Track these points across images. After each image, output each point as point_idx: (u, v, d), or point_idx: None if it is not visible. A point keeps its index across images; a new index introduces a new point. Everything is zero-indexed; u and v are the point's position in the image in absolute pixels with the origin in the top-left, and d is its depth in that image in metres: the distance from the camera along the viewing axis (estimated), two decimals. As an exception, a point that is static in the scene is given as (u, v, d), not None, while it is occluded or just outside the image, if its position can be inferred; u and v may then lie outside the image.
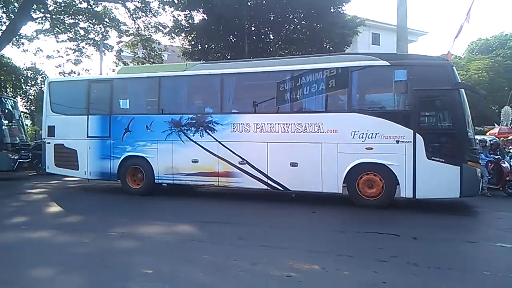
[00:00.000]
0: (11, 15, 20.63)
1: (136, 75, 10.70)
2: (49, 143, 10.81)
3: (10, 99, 15.90)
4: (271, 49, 25.54)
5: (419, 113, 7.92)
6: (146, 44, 22.69)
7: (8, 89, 23.24)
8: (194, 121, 9.44)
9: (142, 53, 23.42)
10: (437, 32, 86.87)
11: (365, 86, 8.86)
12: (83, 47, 22.55)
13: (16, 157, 13.97)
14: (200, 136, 9.35)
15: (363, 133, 8.07)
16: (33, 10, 20.03)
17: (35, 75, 23.86)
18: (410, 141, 7.74)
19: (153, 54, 23.14)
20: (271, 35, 26.16)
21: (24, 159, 14.54)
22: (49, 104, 10.91)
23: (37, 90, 24.01)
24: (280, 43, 25.94)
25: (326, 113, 8.55)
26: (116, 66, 23.66)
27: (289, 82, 8.81)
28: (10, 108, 14.63)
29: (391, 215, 7.77)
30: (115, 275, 4.24)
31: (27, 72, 23.75)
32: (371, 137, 8.02)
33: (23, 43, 22.36)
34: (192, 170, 9.41)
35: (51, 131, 10.78)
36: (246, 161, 8.94)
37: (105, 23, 21.86)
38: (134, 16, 21.92)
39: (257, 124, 8.88)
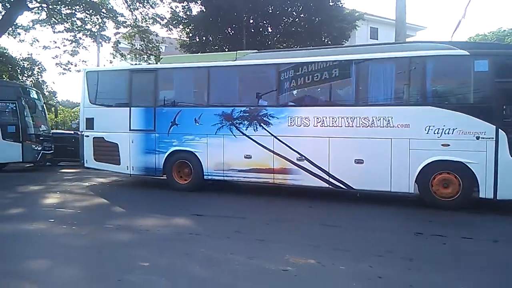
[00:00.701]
0: (6, 4, 20.38)
1: (182, 65, 10.02)
2: (87, 136, 10.31)
3: (34, 90, 15.59)
4: (269, 42, 25.45)
5: (502, 107, 7.19)
6: (143, 35, 22.57)
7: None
8: (247, 114, 8.92)
9: (140, 45, 23.27)
10: (435, 27, 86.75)
11: (441, 77, 8.16)
12: (80, 38, 22.42)
13: (39, 148, 13.96)
14: (254, 130, 8.83)
15: (438, 128, 7.44)
16: (29, 0, 19.83)
17: (32, 66, 23.71)
18: (492, 138, 7.12)
19: (151, 46, 23.02)
20: (269, 28, 26.06)
21: (47, 150, 14.51)
22: (87, 95, 10.40)
23: (33, 81, 23.86)
24: (278, 36, 25.84)
25: (396, 106, 7.92)
26: (114, 57, 23.54)
27: (353, 72, 8.24)
28: (34, 98, 14.51)
29: (387, 210, 7.80)
30: (112, 268, 4.26)
31: (23, 63, 23.59)
32: (448, 133, 7.40)
33: (19, 33, 22.26)
34: (245, 166, 8.91)
35: (90, 123, 10.28)
36: (305, 157, 8.38)
37: (102, 13, 21.70)
38: (131, 7, 21.77)
39: (317, 118, 8.31)
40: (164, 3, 22.81)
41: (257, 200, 8.97)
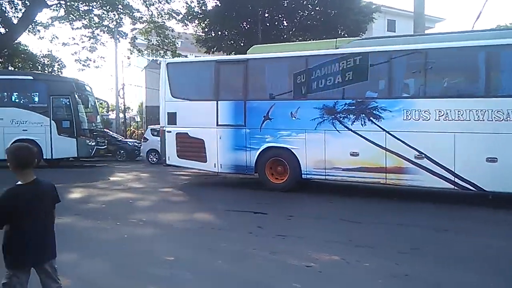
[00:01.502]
0: (26, 2, 20.77)
1: (277, 55, 9.21)
2: (169, 131, 9.67)
3: (87, 85, 15.47)
4: (285, 36, 25.30)
5: None
6: (159, 31, 22.73)
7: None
8: (353, 107, 8.10)
9: (156, 41, 23.45)
10: (454, 19, 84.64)
11: None
12: (97, 34, 22.71)
13: (93, 143, 14.00)
14: (361, 124, 7.99)
15: None
16: (48, -3, 20.14)
17: (52, 62, 24.12)
18: None
19: (167, 41, 23.18)
20: (284, 22, 25.91)
21: (100, 146, 14.57)
22: (168, 89, 9.70)
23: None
24: (294, 29, 25.67)
25: None
26: (131, 53, 23.78)
27: (483, 60, 7.44)
28: (87, 93, 14.50)
29: (410, 206, 7.70)
30: (138, 261, 4.32)
31: (43, 59, 24.01)
32: None
33: (39, 30, 22.64)
34: (351, 165, 8.10)
35: (172, 118, 9.63)
36: (424, 155, 7.50)
37: (119, 10, 21.89)
38: (147, 2, 21.90)
39: (439, 111, 7.38)
40: (179, -2, 22.92)
41: (277, 196, 8.95)
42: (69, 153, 13.54)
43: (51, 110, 13.44)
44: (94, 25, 22.40)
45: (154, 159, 16.03)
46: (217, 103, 9.20)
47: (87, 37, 22.53)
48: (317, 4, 24.37)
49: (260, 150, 8.89)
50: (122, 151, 18.31)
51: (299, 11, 24.83)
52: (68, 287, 3.56)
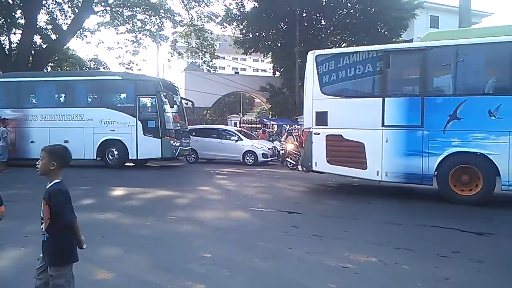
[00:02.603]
0: (75, 9, 21.99)
1: (469, 41, 7.70)
2: (318, 133, 8.53)
3: (173, 84, 15.25)
4: (323, 35, 25.10)
5: None
6: (199, 34, 23.27)
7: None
8: None
9: (196, 43, 24.05)
10: (502, 13, 79.95)
11: None
12: (140, 38, 23.65)
13: (177, 144, 13.52)
14: None
15: None
16: (94, 4, 21.24)
17: (98, 66, 25.38)
18: None
19: (206, 44, 23.68)
20: (322, 21, 25.68)
21: (185, 147, 14.15)
22: (317, 84, 8.61)
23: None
24: (332, 28, 25.40)
25: None
26: (171, 56, 24.53)
27: None
28: (172, 93, 14.06)
29: (452, 208, 7.39)
30: (176, 257, 4.45)
31: (90, 63, 25.30)
32: None
33: (86, 36, 23.89)
34: None
35: (322, 118, 8.50)
36: None
37: (160, 14, 22.66)
38: (187, 6, 22.49)
39: None
40: (218, 0, 23.43)
41: (314, 196, 8.91)
42: (153, 153, 13.25)
43: (137, 110, 13.27)
44: (137, 30, 23.35)
45: (192, 158, 16.11)
46: (383, 100, 7.96)
47: (131, 41, 23.57)
48: (356, 2, 23.95)
49: (443, 155, 7.53)
50: None
51: (338, 10, 24.52)
52: (110, 280, 3.75)
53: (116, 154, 13.36)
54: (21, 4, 20.19)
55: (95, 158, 13.43)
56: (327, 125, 8.46)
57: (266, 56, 28.60)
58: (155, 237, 5.27)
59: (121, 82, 14.11)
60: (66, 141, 12.65)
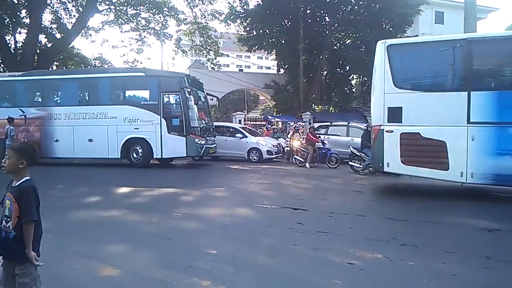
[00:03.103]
0: (79, 8, 22.08)
1: None
2: (391, 131, 7.80)
3: (198, 80, 14.68)
4: (327, 32, 24.99)
5: None
6: (203, 31, 23.31)
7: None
8: None
9: (199, 41, 24.06)
10: (508, 8, 79.12)
11: None
12: (144, 36, 23.74)
13: (202, 142, 12.94)
14: None
15: None
16: (99, 3, 21.29)
17: (102, 65, 25.49)
18: None
19: (210, 41, 23.69)
20: (326, 18, 25.59)
21: (210, 145, 13.56)
22: (389, 77, 7.87)
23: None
24: (336, 25, 25.25)
25: None
26: (175, 54, 24.58)
27: None
28: (197, 89, 13.50)
29: (457, 203, 7.36)
30: (182, 254, 4.47)
31: (94, 62, 25.40)
32: None
33: (90, 35, 24.01)
34: None
35: (396, 114, 7.79)
36: None
37: (164, 12, 22.70)
38: (191, 4, 22.52)
39: None
40: (222, -2, 23.46)
41: (319, 192, 8.89)
42: (178, 152, 12.79)
43: (161, 107, 12.75)
44: (141, 28, 23.42)
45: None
46: (468, 94, 7.24)
47: (135, 39, 23.66)
48: (360, -2, 23.80)
49: None
50: None
51: (342, 6, 24.39)
52: (117, 277, 3.78)
53: (141, 153, 13.01)
54: (26, 3, 20.30)
55: (119, 157, 13.18)
56: (401, 122, 7.74)
57: (270, 53, 28.51)
58: (161, 234, 5.29)
59: (144, 78, 13.65)
60: (90, 140, 13.00)
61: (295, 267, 4.06)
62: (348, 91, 28.27)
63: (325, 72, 27.58)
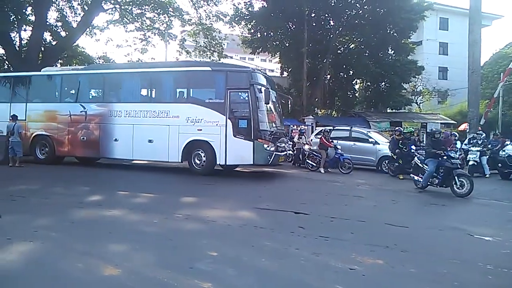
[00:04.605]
0: (85, 6, 22.15)
1: None
2: None
3: (269, 76, 13.25)
4: (331, 36, 25.00)
5: None
6: (207, 33, 23.35)
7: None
8: None
9: (204, 42, 24.10)
10: (515, 15, 78.90)
11: None
12: (149, 36, 23.79)
13: (272, 149, 11.04)
14: None
15: None
16: (104, 1, 21.35)
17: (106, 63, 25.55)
18: None
19: (214, 43, 23.73)
20: (331, 21, 25.61)
21: (280, 152, 11.57)
22: None
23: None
24: (340, 29, 25.27)
25: None
26: (180, 54, 24.64)
27: None
28: (268, 86, 11.50)
29: (458, 209, 7.34)
30: (183, 255, 4.46)
31: (99, 61, 25.46)
32: None
33: (95, 33, 24.07)
34: None
35: None
36: None
37: (169, 12, 22.76)
38: (196, 5, 22.57)
39: None
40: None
41: (321, 196, 8.88)
42: (244, 159, 11.13)
43: (227, 107, 11.08)
44: (146, 28, 23.48)
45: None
46: None
47: (139, 39, 23.70)
48: (365, 2, 23.84)
49: None
50: None
51: (346, 10, 24.42)
52: (118, 276, 3.77)
53: (204, 158, 11.42)
54: (32, 1, 20.37)
55: (180, 161, 11.74)
56: None
57: (274, 56, 28.54)
58: (162, 235, 5.29)
59: (210, 73, 11.96)
60: (150, 141, 11.74)
61: (296, 271, 4.05)
62: (351, 96, 28.28)
63: (329, 76, 27.59)
